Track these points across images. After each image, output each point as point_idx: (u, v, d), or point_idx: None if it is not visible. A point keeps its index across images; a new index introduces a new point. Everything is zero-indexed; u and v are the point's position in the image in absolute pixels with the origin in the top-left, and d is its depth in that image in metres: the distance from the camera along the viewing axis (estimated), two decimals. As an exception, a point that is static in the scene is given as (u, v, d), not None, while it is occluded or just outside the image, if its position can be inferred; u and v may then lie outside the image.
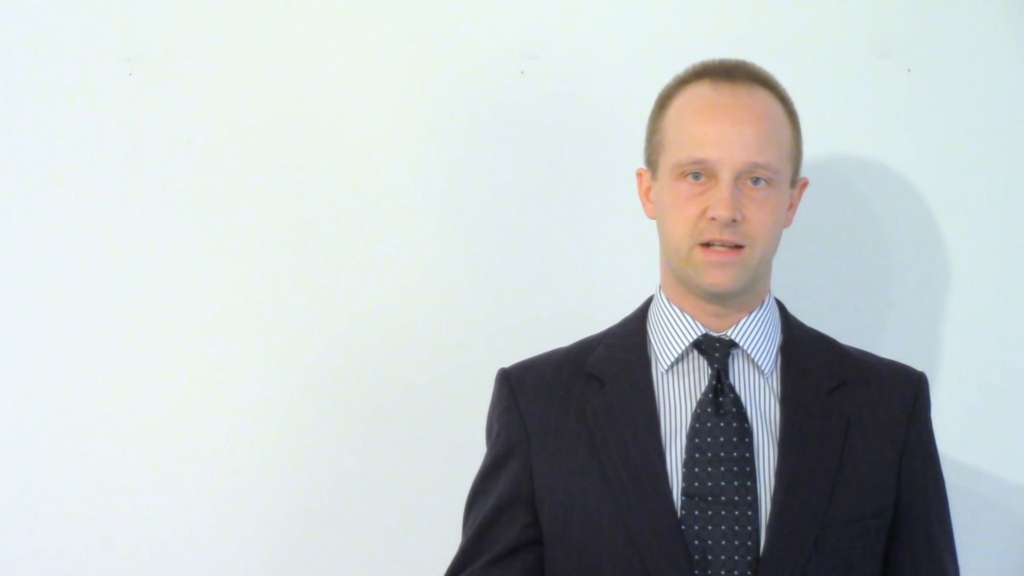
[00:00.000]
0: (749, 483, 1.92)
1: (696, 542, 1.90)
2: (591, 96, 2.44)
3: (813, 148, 2.34)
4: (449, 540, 2.10)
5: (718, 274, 1.94)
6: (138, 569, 2.44)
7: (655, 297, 2.05)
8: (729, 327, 2.00)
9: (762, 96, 1.98)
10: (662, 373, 2.00)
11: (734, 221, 1.92)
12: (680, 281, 1.99)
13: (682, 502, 1.92)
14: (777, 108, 1.99)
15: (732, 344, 1.99)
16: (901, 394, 2.01)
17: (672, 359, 1.99)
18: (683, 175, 1.95)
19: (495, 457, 2.03)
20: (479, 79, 2.44)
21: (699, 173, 1.95)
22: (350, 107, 2.45)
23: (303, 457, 2.44)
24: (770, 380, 1.99)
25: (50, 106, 2.44)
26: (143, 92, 2.45)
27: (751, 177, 1.94)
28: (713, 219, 1.92)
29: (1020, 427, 2.43)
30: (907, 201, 2.43)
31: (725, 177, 1.93)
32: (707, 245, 1.94)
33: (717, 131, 1.94)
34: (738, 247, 1.94)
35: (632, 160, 2.09)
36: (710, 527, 1.90)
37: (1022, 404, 2.43)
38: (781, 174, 1.97)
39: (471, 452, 2.09)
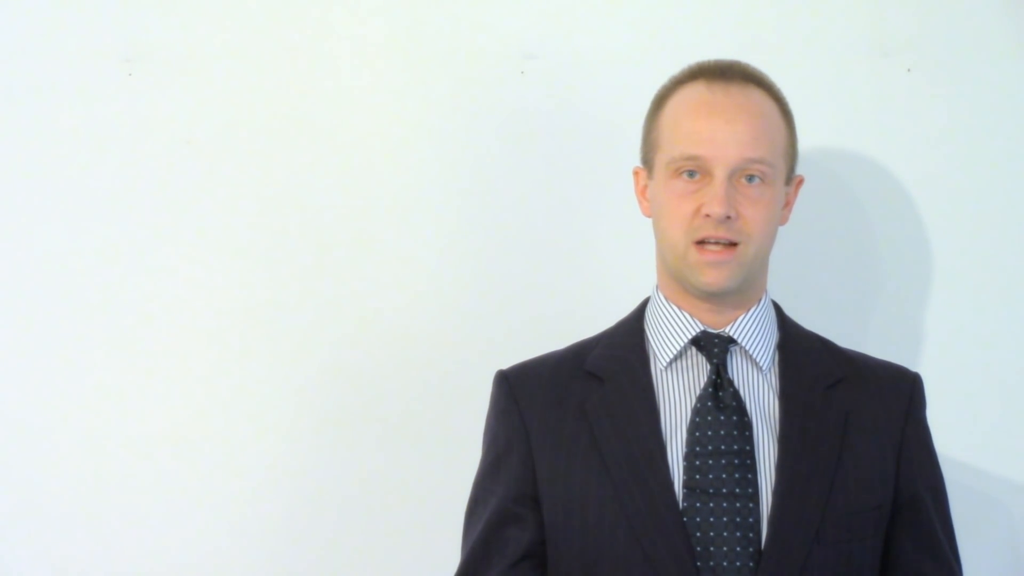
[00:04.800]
0: (750, 476, 1.92)
1: (698, 534, 1.90)
2: (591, 96, 2.44)
3: (813, 148, 2.35)
4: (452, 541, 2.10)
5: (713, 273, 1.95)
6: (138, 570, 2.44)
7: (651, 297, 2.06)
8: (727, 324, 2.00)
9: (756, 95, 1.99)
10: (661, 370, 2.00)
11: (728, 218, 1.93)
12: (676, 279, 2.00)
13: (683, 495, 1.92)
14: (771, 107, 2.00)
15: (730, 340, 2.00)
16: (897, 393, 2.02)
17: (671, 356, 2.00)
18: (678, 172, 1.96)
19: (495, 457, 2.03)
20: (479, 79, 2.44)
21: (694, 171, 1.95)
22: (350, 107, 2.45)
23: (304, 459, 2.44)
24: (768, 376, 2.00)
25: (50, 106, 2.44)
26: (143, 92, 2.45)
27: (746, 174, 1.95)
28: (708, 216, 1.93)
29: (1014, 425, 2.43)
30: (906, 201, 2.43)
31: (719, 175, 1.94)
32: (702, 243, 1.95)
33: (711, 129, 1.95)
34: (732, 244, 1.95)
35: (631, 160, 2.09)
36: (712, 520, 1.91)
37: (1016, 403, 2.43)
38: (776, 171, 1.98)
39: (473, 453, 2.08)
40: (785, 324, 2.05)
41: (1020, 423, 2.44)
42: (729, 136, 1.94)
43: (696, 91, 1.99)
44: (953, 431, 2.37)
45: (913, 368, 2.09)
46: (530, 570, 1.98)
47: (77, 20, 2.44)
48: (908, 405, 2.02)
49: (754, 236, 1.96)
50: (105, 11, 2.44)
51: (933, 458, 2.04)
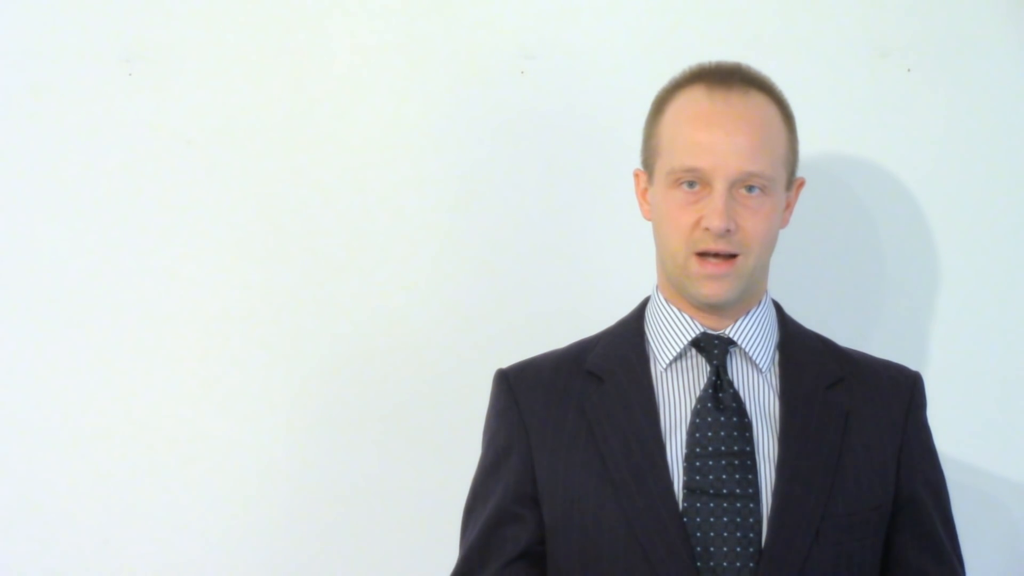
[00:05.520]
0: (750, 476, 1.92)
1: (698, 535, 1.90)
2: (591, 96, 2.44)
3: (812, 149, 2.35)
4: (451, 540, 2.10)
5: (713, 286, 1.95)
6: (138, 570, 2.44)
7: (651, 297, 2.06)
8: (727, 325, 2.00)
9: (757, 101, 1.98)
10: (661, 371, 2.00)
11: (728, 231, 1.93)
12: (676, 288, 2.00)
13: (683, 496, 1.92)
14: (773, 112, 1.99)
15: (730, 342, 1.99)
16: (897, 392, 2.02)
17: (671, 357, 2.00)
18: (677, 183, 1.96)
19: (494, 456, 2.03)
20: (479, 79, 2.44)
21: (693, 182, 1.95)
22: (350, 107, 2.45)
23: (303, 459, 2.44)
24: (768, 376, 2.00)
25: (50, 106, 2.44)
26: (143, 92, 2.45)
27: (745, 185, 1.95)
28: (707, 229, 1.93)
29: (1014, 425, 2.43)
30: (907, 201, 2.43)
31: (719, 187, 1.93)
32: (703, 255, 1.94)
33: (711, 140, 1.94)
34: (732, 256, 1.94)
35: (631, 160, 2.09)
36: (712, 520, 1.91)
37: (1017, 403, 2.43)
38: (776, 181, 1.97)
39: (473, 452, 2.08)
40: (786, 324, 2.05)
41: (1020, 423, 2.44)
42: (729, 148, 1.93)
43: (696, 98, 1.97)
44: (953, 431, 2.37)
45: (913, 367, 2.09)
46: (528, 568, 1.98)
47: (77, 20, 2.44)
48: (909, 404, 2.02)
49: (754, 248, 1.95)
50: (105, 11, 2.44)
51: (934, 458, 2.04)
